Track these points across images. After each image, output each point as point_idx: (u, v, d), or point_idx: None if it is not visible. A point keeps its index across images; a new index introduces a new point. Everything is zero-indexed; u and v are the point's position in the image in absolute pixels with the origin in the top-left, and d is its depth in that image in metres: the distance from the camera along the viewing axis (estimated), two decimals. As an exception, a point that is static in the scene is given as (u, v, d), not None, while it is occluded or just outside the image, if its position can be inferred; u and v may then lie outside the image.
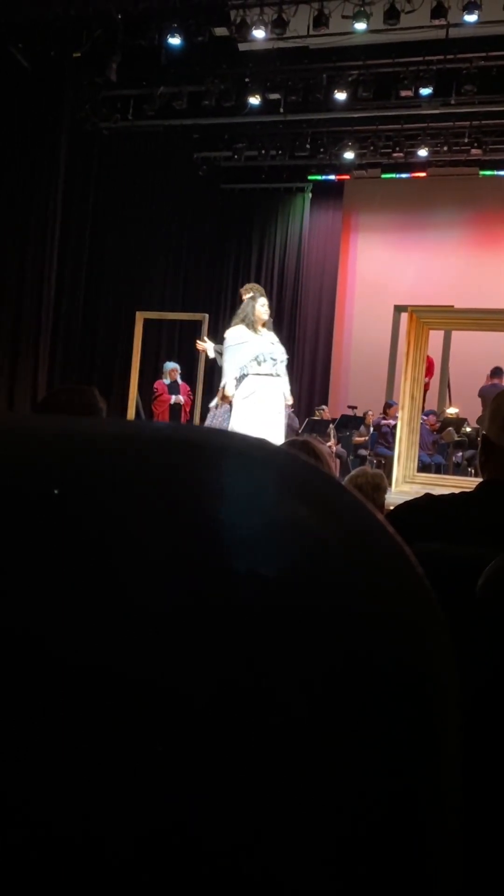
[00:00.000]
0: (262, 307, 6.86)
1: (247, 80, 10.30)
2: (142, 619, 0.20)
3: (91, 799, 0.19)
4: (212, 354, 7.71)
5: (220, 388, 6.99)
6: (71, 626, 0.20)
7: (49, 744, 0.19)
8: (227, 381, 6.81)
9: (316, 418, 11.14)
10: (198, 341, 7.72)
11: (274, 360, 6.87)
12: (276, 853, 0.20)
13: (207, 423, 7.67)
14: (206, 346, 7.80)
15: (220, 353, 7.67)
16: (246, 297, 7.08)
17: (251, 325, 6.85)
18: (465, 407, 10.74)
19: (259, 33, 9.19)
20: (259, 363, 6.84)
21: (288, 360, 7.27)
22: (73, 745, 0.19)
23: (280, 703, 0.20)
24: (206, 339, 7.79)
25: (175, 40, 9.42)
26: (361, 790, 0.21)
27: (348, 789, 0.21)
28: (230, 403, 6.95)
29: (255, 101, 10.39)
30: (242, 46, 9.78)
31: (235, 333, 6.85)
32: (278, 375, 6.95)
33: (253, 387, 6.80)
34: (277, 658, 0.21)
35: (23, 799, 0.19)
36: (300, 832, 0.20)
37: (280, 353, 6.91)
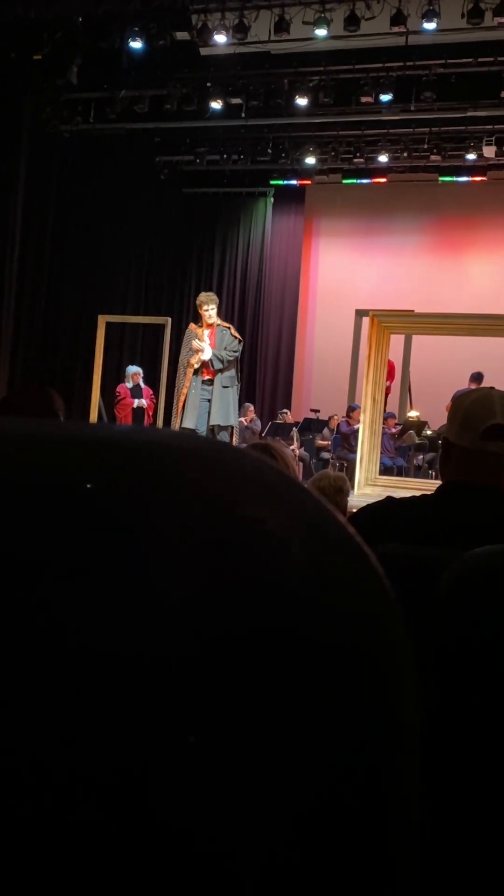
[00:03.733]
0: None
1: (208, 84, 10.30)
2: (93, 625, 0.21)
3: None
4: (207, 356, 7.71)
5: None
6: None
7: (77, 727, 0.20)
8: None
9: (279, 422, 11.16)
10: (194, 342, 7.72)
11: None
12: (235, 830, 0.20)
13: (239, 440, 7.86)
14: (204, 347, 7.79)
15: (220, 359, 7.71)
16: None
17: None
18: (425, 410, 10.83)
19: (220, 38, 9.20)
20: None
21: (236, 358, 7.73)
22: (98, 730, 0.20)
23: (243, 689, 0.21)
24: (206, 340, 7.77)
25: (136, 44, 9.39)
26: (317, 776, 0.22)
27: (304, 775, 0.21)
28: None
29: (216, 105, 10.39)
30: (204, 51, 9.78)
31: None
32: None
33: None
34: (236, 653, 0.21)
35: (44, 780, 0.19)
36: (259, 809, 0.21)
37: None
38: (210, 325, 7.79)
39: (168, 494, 0.23)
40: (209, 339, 7.74)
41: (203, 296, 8.04)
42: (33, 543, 0.22)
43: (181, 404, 7.77)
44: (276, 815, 0.21)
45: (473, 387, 10.09)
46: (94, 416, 8.89)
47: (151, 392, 10.35)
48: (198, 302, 7.97)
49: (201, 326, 7.82)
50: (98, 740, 0.19)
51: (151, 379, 10.38)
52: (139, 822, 0.19)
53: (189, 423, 7.65)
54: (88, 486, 0.23)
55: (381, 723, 0.23)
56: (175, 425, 7.65)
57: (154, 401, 10.27)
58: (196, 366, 7.71)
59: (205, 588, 0.22)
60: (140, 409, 10.25)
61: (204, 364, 7.73)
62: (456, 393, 10.22)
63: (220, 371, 7.80)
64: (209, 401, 7.79)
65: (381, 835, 0.23)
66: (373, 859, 0.23)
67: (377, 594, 0.25)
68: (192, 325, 8.00)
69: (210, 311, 7.76)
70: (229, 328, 7.97)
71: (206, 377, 7.77)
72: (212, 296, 8.07)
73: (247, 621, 0.22)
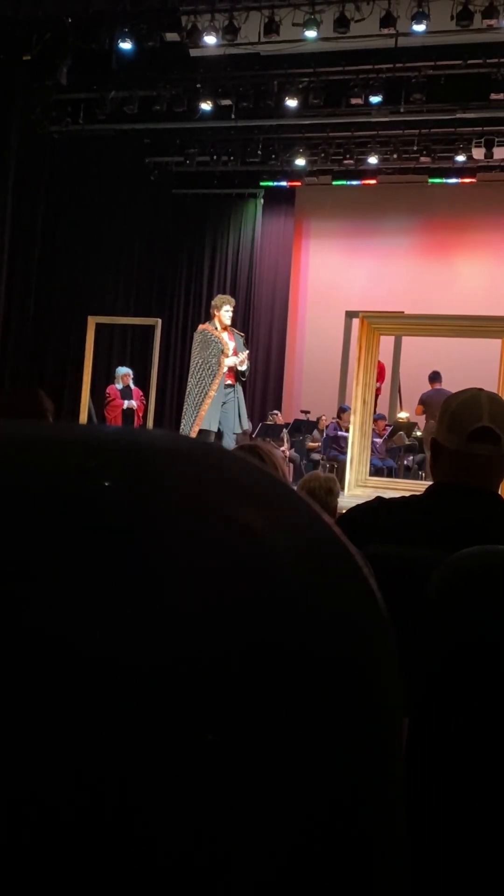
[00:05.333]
0: None
1: (198, 85, 10.30)
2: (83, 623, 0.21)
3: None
4: (234, 362, 7.74)
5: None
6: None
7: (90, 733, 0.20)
8: None
9: (269, 423, 11.16)
10: (232, 355, 7.73)
11: None
12: (228, 843, 0.20)
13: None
14: (244, 356, 7.86)
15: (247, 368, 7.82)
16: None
17: None
18: (415, 412, 10.86)
19: (210, 39, 9.20)
20: None
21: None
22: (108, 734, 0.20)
23: (226, 694, 0.21)
24: (230, 344, 7.79)
25: (126, 45, 9.38)
26: (307, 783, 0.22)
27: (294, 782, 0.22)
28: None
29: (206, 106, 10.39)
30: (194, 52, 9.78)
31: None
32: None
33: None
34: (221, 655, 0.21)
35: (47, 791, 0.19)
36: (247, 822, 0.21)
37: None
38: (226, 328, 7.79)
39: (155, 496, 0.23)
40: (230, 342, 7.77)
41: (222, 297, 8.00)
42: (24, 544, 0.22)
43: (205, 408, 7.70)
44: (271, 828, 0.21)
45: (436, 387, 10.17)
46: (83, 418, 8.87)
47: (141, 393, 10.34)
48: (217, 303, 7.90)
49: (216, 328, 7.78)
50: (83, 746, 0.20)
51: (141, 380, 10.37)
52: (125, 835, 0.19)
53: (209, 426, 7.65)
54: (79, 487, 0.23)
55: (365, 727, 0.23)
56: (194, 430, 7.62)
57: (144, 402, 10.25)
58: (224, 370, 7.70)
59: (190, 590, 0.22)
60: (130, 411, 10.23)
61: (230, 368, 7.75)
62: (422, 395, 10.29)
63: (244, 376, 7.90)
64: (224, 403, 7.79)
65: (365, 851, 0.23)
66: (362, 869, 0.23)
67: (363, 596, 0.26)
68: (207, 327, 7.89)
69: (230, 314, 7.76)
70: (243, 336, 8.01)
71: (228, 381, 7.77)
72: (230, 298, 8.07)
73: (230, 624, 0.22)
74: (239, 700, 0.21)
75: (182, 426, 7.79)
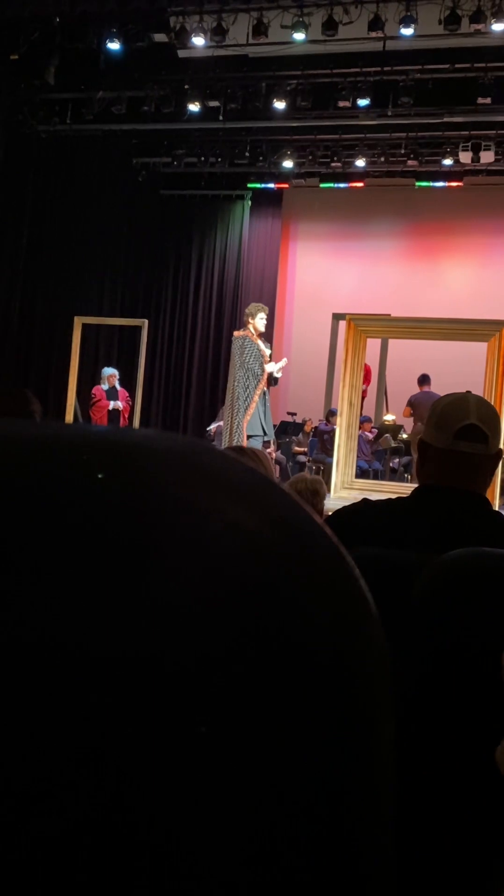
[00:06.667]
0: None
1: (186, 86, 10.30)
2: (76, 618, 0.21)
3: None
4: (273, 369, 7.82)
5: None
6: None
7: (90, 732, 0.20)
8: None
9: (255, 425, 11.16)
10: (271, 362, 7.82)
11: None
12: (203, 842, 0.20)
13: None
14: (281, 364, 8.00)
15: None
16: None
17: None
18: (401, 414, 10.89)
19: (199, 40, 9.20)
20: None
21: None
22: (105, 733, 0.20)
23: (216, 692, 0.21)
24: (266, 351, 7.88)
25: (114, 45, 9.38)
26: (292, 783, 0.22)
27: (280, 781, 0.21)
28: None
29: (194, 107, 10.39)
30: (182, 53, 9.78)
31: None
32: None
33: None
34: (213, 653, 0.21)
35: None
36: (228, 820, 0.21)
37: None
38: (261, 336, 7.85)
39: (144, 493, 0.23)
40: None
41: (255, 305, 8.11)
42: (10, 540, 0.21)
43: (250, 414, 7.72)
44: (253, 828, 0.21)
45: (425, 389, 10.21)
46: (69, 418, 8.85)
47: (127, 394, 10.32)
48: (251, 311, 7.98)
49: (253, 334, 7.83)
50: (70, 740, 0.20)
51: (128, 381, 10.36)
52: (111, 830, 0.19)
53: (254, 431, 7.69)
54: (63, 487, 0.23)
55: (356, 743, 0.23)
56: (244, 436, 7.65)
57: (130, 403, 10.24)
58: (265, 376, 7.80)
59: (179, 586, 0.22)
60: (116, 412, 10.22)
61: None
62: (411, 397, 10.33)
63: (275, 383, 8.02)
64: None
65: (351, 849, 0.23)
66: (347, 866, 0.23)
67: (353, 594, 0.25)
68: (247, 334, 7.93)
69: (264, 321, 7.86)
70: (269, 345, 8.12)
71: (264, 387, 7.86)
72: (263, 305, 8.20)
73: (220, 621, 0.22)
74: (229, 694, 0.21)
75: (228, 432, 7.81)
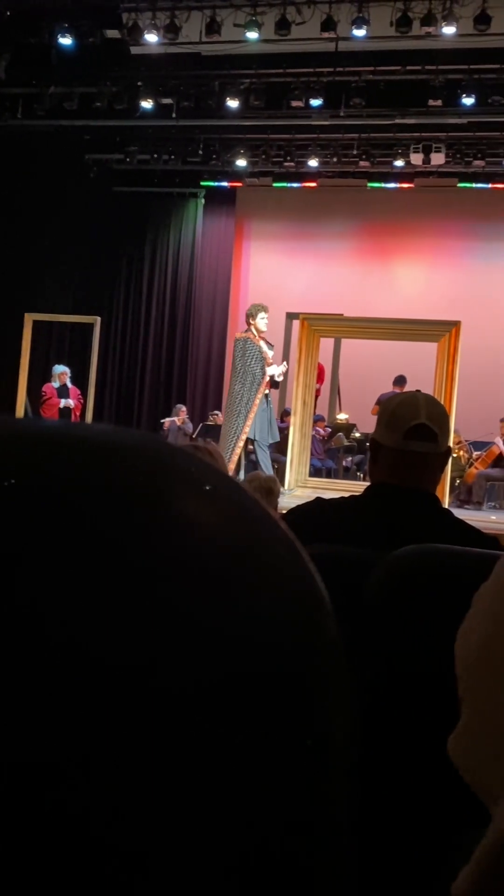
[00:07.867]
0: None
1: (139, 83, 10.24)
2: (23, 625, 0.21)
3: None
4: (276, 371, 7.74)
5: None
6: None
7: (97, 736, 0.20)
8: None
9: (210, 423, 11.15)
10: (274, 364, 7.71)
11: None
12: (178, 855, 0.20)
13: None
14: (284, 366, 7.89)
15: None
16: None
17: None
18: (354, 413, 10.95)
19: (151, 37, 9.16)
20: None
21: None
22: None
23: (174, 700, 0.21)
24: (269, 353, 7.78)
25: (66, 40, 9.29)
26: (248, 787, 0.22)
27: (235, 789, 0.21)
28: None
29: (147, 104, 10.33)
30: (135, 50, 9.72)
31: None
32: None
33: None
34: (172, 656, 0.21)
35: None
36: (203, 833, 0.21)
37: None
38: (263, 336, 7.76)
39: (100, 487, 0.23)
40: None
41: (256, 306, 7.94)
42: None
43: (251, 417, 7.62)
44: (219, 842, 0.21)
45: (397, 390, 10.24)
46: (19, 416, 8.74)
47: (79, 392, 10.23)
48: (251, 311, 7.84)
49: (255, 336, 7.73)
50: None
51: (80, 379, 10.27)
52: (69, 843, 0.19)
53: (254, 434, 7.60)
54: (12, 480, 0.23)
55: (313, 748, 0.23)
56: (241, 439, 7.56)
57: (81, 401, 10.15)
58: (266, 379, 7.71)
59: (136, 583, 0.22)
60: (67, 410, 10.12)
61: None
62: (381, 396, 10.37)
63: (277, 386, 7.96)
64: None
65: (307, 860, 0.23)
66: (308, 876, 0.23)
67: (309, 589, 0.26)
68: (248, 335, 7.82)
69: (265, 321, 7.74)
70: (272, 346, 8.02)
71: (265, 390, 7.78)
72: (264, 305, 8.03)
73: (176, 619, 0.22)
74: (179, 697, 0.21)
75: (226, 435, 7.70)
